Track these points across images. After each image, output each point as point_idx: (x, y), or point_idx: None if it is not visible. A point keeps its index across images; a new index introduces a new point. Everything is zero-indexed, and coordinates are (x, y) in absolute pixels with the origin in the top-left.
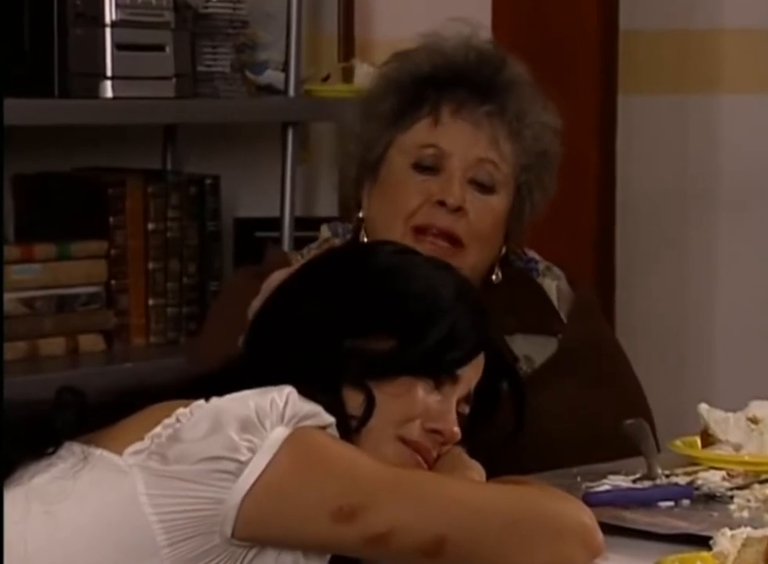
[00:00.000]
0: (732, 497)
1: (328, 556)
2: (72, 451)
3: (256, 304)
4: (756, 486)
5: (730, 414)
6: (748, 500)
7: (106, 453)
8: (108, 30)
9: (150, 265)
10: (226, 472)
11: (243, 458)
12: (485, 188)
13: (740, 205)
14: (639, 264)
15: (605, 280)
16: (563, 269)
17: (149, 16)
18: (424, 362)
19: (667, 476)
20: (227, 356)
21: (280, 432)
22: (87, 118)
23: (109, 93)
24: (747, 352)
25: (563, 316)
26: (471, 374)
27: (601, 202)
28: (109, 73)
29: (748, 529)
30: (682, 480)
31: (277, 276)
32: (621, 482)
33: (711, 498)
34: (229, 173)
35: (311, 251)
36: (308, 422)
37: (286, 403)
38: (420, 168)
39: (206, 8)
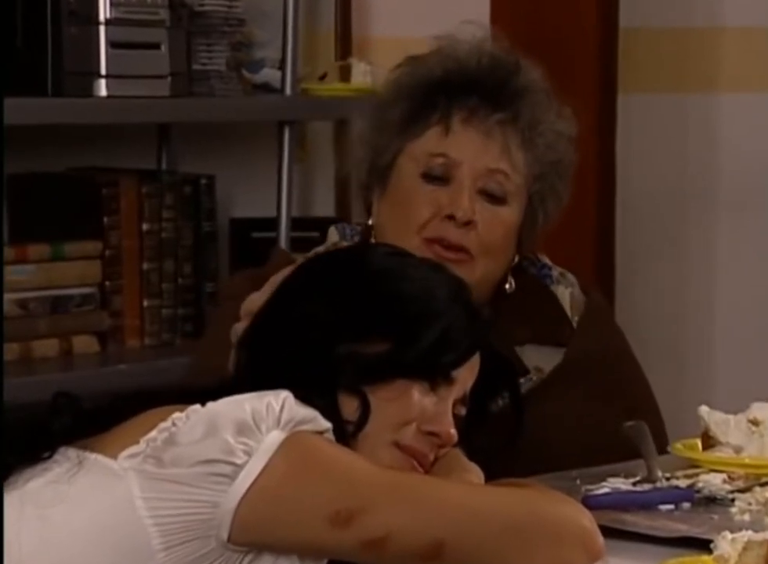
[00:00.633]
0: (733, 500)
1: (326, 561)
2: (67, 456)
3: (240, 326)
4: (757, 488)
5: (731, 416)
6: (749, 503)
7: (101, 458)
8: (102, 28)
9: (145, 266)
10: (221, 475)
11: (239, 461)
12: (495, 199)
13: (740, 204)
14: (638, 263)
15: (604, 279)
16: (576, 275)
17: (144, 14)
18: (419, 364)
19: (667, 479)
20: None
21: (276, 436)
22: (81, 117)
23: (103, 92)
24: (747, 352)
25: (575, 324)
26: (466, 375)
27: (601, 201)
28: (103, 71)
29: (749, 532)
30: (683, 483)
31: (253, 299)
32: (621, 484)
33: (711, 501)
34: (224, 173)
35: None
36: (304, 427)
37: (282, 408)
38: (429, 177)
39: (202, 6)
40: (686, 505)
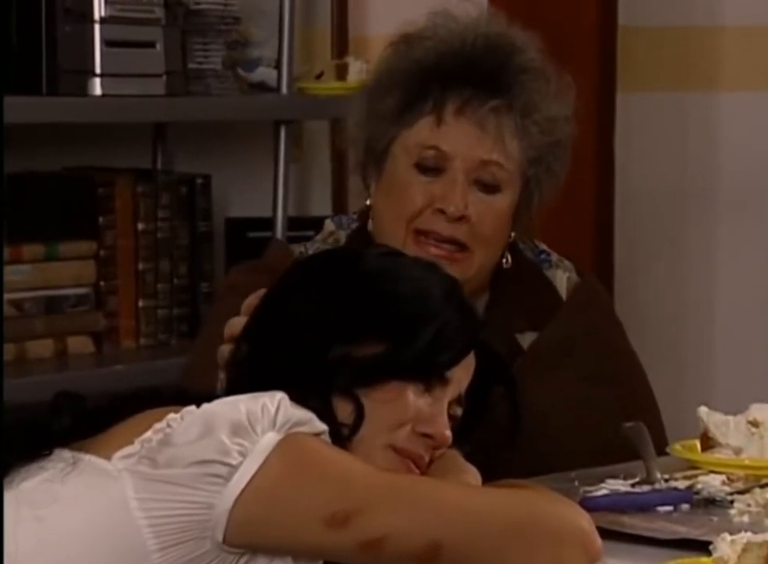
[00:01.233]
0: (732, 502)
1: (321, 563)
2: (62, 457)
3: (225, 349)
4: (757, 490)
5: (730, 417)
6: (749, 505)
7: (95, 458)
8: (97, 27)
9: (140, 266)
10: (216, 476)
11: (234, 462)
12: (489, 187)
13: (739, 204)
14: (638, 262)
15: (604, 279)
16: (572, 262)
17: (139, 13)
18: (413, 365)
19: (666, 480)
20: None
21: (271, 437)
22: (76, 116)
23: (98, 91)
24: (747, 353)
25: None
26: (461, 375)
27: (600, 200)
28: (98, 70)
29: (749, 534)
30: (682, 484)
31: (234, 323)
32: (620, 486)
33: (710, 503)
34: (220, 172)
35: (315, 245)
36: (300, 429)
37: (278, 409)
38: (422, 168)
39: (197, 4)
40: (685, 507)
